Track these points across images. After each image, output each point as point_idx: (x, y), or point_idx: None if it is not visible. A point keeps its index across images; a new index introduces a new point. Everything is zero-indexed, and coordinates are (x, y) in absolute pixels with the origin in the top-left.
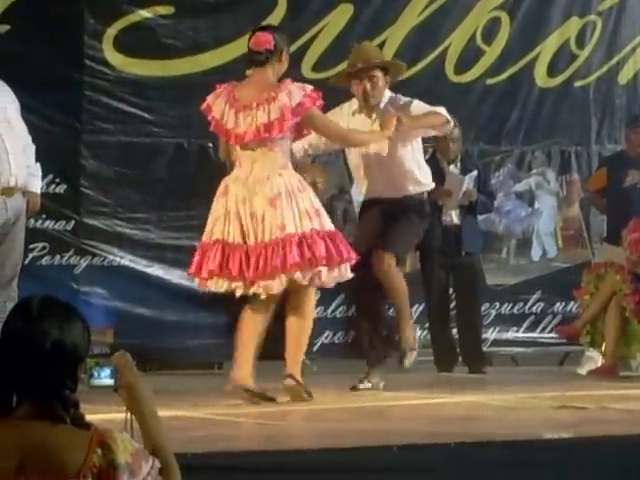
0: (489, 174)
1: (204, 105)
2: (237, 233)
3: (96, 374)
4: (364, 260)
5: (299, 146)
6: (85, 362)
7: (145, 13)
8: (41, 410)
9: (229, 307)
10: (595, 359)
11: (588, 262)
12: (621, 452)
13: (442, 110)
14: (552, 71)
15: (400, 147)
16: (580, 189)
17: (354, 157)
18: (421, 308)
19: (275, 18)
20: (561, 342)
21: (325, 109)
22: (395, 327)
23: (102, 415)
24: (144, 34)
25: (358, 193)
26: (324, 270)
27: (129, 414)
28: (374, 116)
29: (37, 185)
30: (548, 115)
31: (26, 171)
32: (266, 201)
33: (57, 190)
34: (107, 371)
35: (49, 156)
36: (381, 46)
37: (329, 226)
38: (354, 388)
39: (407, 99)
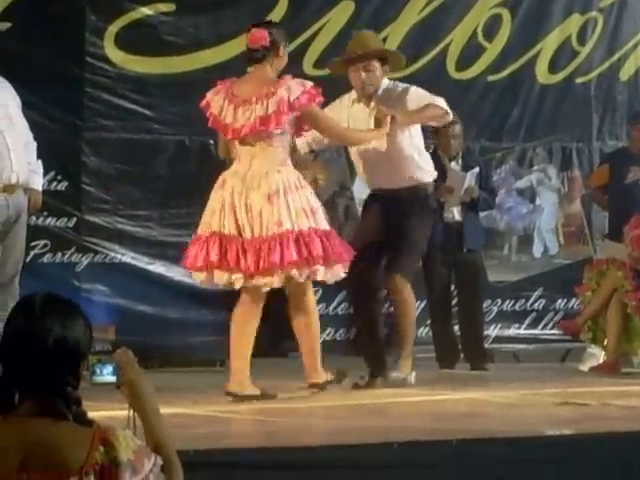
0: (490, 171)
1: (203, 102)
2: (232, 226)
3: (98, 371)
4: (361, 256)
5: (303, 142)
6: (87, 359)
7: (146, 10)
8: (43, 407)
9: (230, 304)
10: (597, 356)
11: (590, 259)
12: (623, 448)
13: (441, 101)
14: (553, 68)
15: (399, 133)
16: (581, 185)
17: (354, 150)
18: (423, 305)
19: (276, 15)
20: (563, 339)
21: (326, 104)
22: (394, 327)
23: (104, 412)
24: (145, 31)
25: (362, 189)
26: (321, 269)
27: (131, 411)
28: (372, 104)
29: (38, 182)
30: (549, 112)
31: (27, 168)
32: (263, 197)
33: (58, 187)
34: (109, 368)
35: (50, 153)
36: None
37: (324, 225)
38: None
39: (405, 86)
